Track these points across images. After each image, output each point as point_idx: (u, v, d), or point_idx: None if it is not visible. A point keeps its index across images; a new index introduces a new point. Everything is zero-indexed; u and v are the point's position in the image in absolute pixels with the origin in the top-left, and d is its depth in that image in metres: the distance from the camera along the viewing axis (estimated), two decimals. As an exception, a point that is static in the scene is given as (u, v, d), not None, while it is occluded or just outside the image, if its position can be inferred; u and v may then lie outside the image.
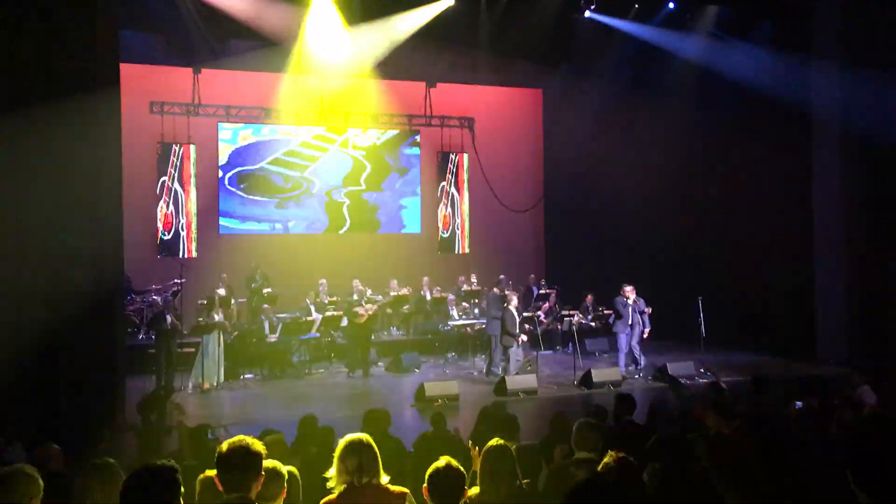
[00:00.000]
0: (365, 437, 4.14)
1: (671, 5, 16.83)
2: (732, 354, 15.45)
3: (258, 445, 3.59)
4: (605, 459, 3.96)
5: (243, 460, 3.51)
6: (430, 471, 3.85)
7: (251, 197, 18.85)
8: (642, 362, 14.47)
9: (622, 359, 14.44)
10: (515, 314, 14.17)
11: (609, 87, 18.14)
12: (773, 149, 15.85)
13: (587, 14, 17.06)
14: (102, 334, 10.39)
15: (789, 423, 7.07)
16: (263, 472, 3.58)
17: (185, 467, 3.76)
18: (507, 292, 14.96)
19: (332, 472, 4.09)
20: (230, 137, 18.71)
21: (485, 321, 14.99)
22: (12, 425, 7.66)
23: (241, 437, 3.62)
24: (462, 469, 3.87)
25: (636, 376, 14.24)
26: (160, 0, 14.74)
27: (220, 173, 18.57)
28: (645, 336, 14.55)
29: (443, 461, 3.88)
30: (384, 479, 4.11)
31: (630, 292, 14.43)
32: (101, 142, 10.18)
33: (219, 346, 13.60)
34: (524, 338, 14.65)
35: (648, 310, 14.45)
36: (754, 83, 15.58)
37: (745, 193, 16.83)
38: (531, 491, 4.87)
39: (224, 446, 3.56)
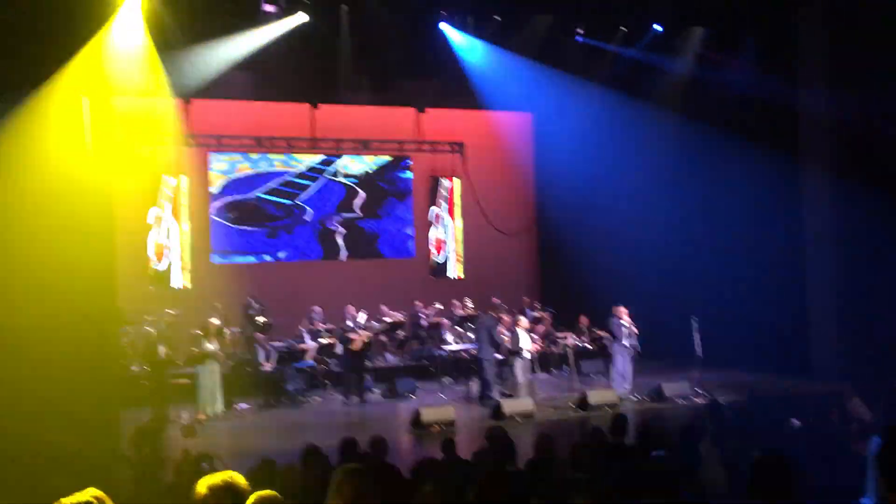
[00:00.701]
0: (357, 466, 4.06)
1: (657, 28, 17.01)
2: (728, 372, 15.43)
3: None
4: None
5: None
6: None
7: (241, 227, 18.79)
8: (629, 384, 14.47)
9: (618, 380, 14.42)
10: (523, 335, 14.17)
11: (599, 109, 18.22)
12: (763, 168, 15.92)
13: (577, 38, 17.27)
14: (96, 366, 10.33)
15: (786, 439, 7.06)
16: None
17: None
18: (503, 315, 15.05)
19: None
20: (227, 168, 18.70)
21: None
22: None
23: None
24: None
25: (632, 396, 14.21)
26: (150, 30, 14.78)
27: (212, 203, 18.55)
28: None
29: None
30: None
31: (623, 313, 14.45)
32: (91, 172, 10.18)
33: (212, 375, 13.52)
34: (535, 348, 14.61)
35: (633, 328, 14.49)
36: (743, 103, 15.71)
37: (738, 212, 16.90)
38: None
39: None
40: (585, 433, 7.21)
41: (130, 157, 16.39)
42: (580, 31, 17.09)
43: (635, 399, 14.15)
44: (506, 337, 14.32)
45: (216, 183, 18.59)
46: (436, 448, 7.69)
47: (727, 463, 6.60)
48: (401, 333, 17.61)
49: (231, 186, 18.72)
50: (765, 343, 16.04)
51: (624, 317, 14.43)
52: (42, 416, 9.60)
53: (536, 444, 6.76)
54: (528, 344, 14.21)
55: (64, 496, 5.08)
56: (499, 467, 6.02)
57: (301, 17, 15.66)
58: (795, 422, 7.81)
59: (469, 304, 18.20)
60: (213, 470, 6.76)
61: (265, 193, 19.04)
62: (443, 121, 20.13)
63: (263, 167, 19.06)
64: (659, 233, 18.19)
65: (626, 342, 14.37)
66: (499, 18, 16.67)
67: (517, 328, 14.24)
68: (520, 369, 14.04)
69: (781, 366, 15.45)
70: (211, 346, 13.67)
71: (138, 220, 17.26)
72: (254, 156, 18.92)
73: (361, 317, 15.85)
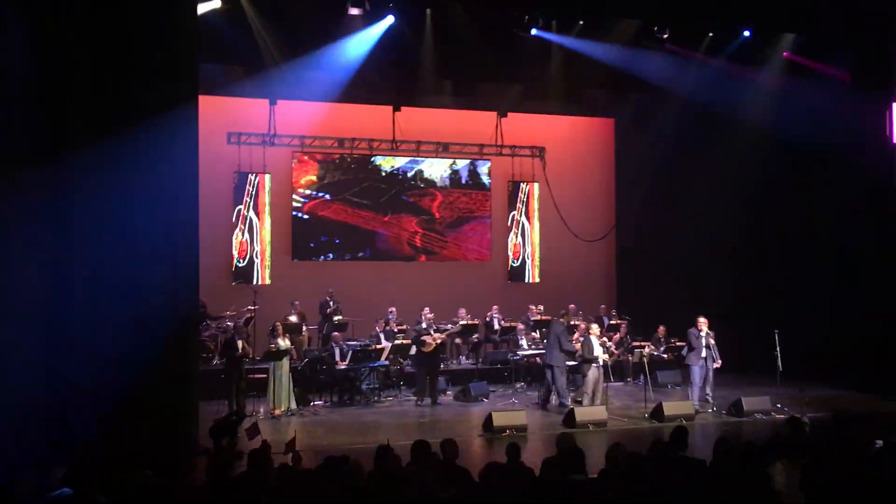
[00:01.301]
0: None
1: (746, 33, 16.67)
2: (811, 389, 15.00)
3: None
4: None
5: None
6: None
7: (323, 226, 19.10)
8: (708, 396, 14.17)
9: (695, 392, 14.15)
10: (596, 343, 14.03)
11: (682, 116, 17.93)
12: (852, 178, 15.46)
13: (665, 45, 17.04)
14: (177, 359, 10.60)
15: (868, 462, 6.82)
16: None
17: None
18: (576, 322, 14.90)
19: None
20: (321, 174, 19.04)
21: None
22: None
23: None
24: None
25: (709, 410, 13.93)
26: (239, 33, 15.11)
27: (295, 202, 18.88)
28: (717, 365, 14.22)
29: None
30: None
31: (703, 324, 14.17)
32: (178, 170, 10.44)
33: (285, 372, 13.70)
34: (606, 357, 14.43)
35: (712, 340, 14.17)
36: (831, 113, 15.21)
37: (824, 222, 16.41)
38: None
39: None
40: (650, 445, 7.07)
41: (217, 154, 16.85)
42: (666, 35, 16.84)
43: (713, 412, 13.86)
44: (578, 344, 14.19)
45: (312, 187, 18.93)
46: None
47: (805, 482, 6.41)
48: (475, 337, 17.61)
49: (317, 188, 19.05)
50: (852, 359, 15.55)
51: (703, 328, 14.15)
52: (125, 407, 9.90)
53: (608, 454, 6.69)
54: (600, 351, 14.04)
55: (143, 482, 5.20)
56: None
57: (388, 21, 15.79)
58: (878, 442, 7.52)
59: (541, 309, 18.08)
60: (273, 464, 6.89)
61: (348, 195, 19.28)
62: (523, 125, 20.08)
63: (352, 174, 19.31)
64: (740, 242, 17.81)
65: (704, 354, 14.08)
66: (582, 22, 16.56)
67: (590, 335, 14.10)
68: (592, 377, 13.90)
69: (868, 384, 14.97)
70: (283, 343, 13.89)
71: (223, 216, 17.70)
72: (345, 163, 19.18)
73: (433, 320, 15.90)
